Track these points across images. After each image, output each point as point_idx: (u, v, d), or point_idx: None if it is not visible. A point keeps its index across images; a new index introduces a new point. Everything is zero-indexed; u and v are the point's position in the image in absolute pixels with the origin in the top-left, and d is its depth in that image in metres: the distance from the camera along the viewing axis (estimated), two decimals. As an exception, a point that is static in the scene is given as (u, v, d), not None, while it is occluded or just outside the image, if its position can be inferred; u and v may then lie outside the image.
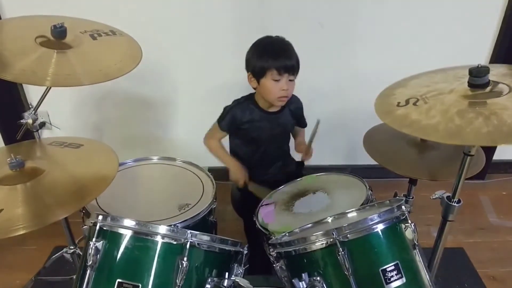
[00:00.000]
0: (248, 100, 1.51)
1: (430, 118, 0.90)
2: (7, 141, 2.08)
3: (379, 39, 1.96)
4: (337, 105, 2.07)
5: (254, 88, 1.50)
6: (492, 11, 1.93)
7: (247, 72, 1.47)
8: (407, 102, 0.97)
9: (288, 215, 1.32)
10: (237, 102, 1.53)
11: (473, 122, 0.85)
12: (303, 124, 1.65)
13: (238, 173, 1.50)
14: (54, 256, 1.60)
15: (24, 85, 2.05)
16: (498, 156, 2.21)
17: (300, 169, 1.60)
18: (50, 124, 1.97)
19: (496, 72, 1.01)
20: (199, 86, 2.08)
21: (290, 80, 1.41)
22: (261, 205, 1.39)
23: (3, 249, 1.86)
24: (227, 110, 1.51)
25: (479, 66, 0.95)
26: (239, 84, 2.03)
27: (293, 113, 1.58)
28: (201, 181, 1.41)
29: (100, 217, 0.91)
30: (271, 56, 1.39)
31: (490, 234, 1.99)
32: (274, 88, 1.40)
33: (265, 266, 1.32)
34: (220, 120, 1.51)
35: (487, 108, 0.89)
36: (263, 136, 1.51)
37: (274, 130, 1.53)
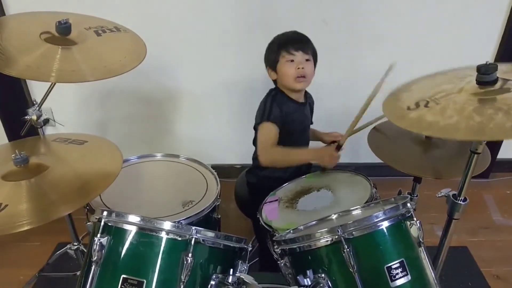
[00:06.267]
0: (279, 93, 1.45)
1: (447, 118, 0.88)
2: (10, 138, 2.08)
3: (383, 36, 1.95)
4: (341, 102, 2.06)
5: (275, 81, 1.48)
6: (498, 9, 1.92)
7: (266, 69, 1.47)
8: (417, 105, 0.96)
9: (292, 213, 1.32)
10: (272, 95, 1.43)
11: (494, 118, 0.84)
12: (311, 121, 1.66)
13: (327, 158, 1.40)
14: (57, 253, 1.60)
15: (27, 82, 2.05)
16: (502, 155, 2.20)
17: (308, 167, 1.59)
18: (54, 120, 1.98)
19: (505, 69, 1.00)
20: (203, 83, 2.08)
21: (306, 60, 1.40)
22: (265, 202, 1.39)
23: (6, 245, 1.87)
24: (269, 104, 1.40)
25: (487, 63, 0.94)
26: (243, 81, 2.05)
27: (310, 108, 1.58)
28: (205, 178, 1.41)
29: (105, 213, 0.91)
30: (281, 41, 1.40)
31: (494, 233, 1.99)
32: (290, 70, 1.38)
33: (274, 264, 1.32)
34: (268, 116, 1.37)
35: (498, 104, 0.88)
36: (296, 128, 1.47)
37: (304, 122, 1.51)
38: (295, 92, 1.46)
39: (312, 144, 1.62)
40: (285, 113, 1.41)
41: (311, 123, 1.65)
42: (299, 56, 1.38)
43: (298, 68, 1.38)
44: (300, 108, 1.48)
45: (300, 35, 1.43)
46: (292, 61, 1.38)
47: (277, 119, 1.37)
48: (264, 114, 1.39)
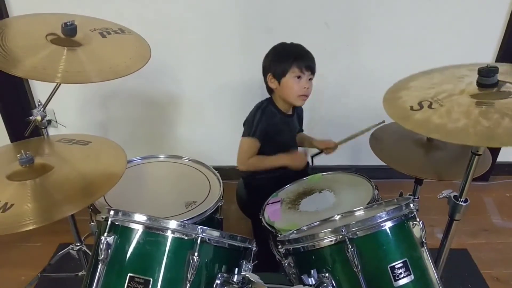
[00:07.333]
0: (270, 104, 1.51)
1: (454, 121, 0.89)
2: (13, 138, 2.08)
3: (384, 38, 1.97)
4: (343, 105, 2.08)
5: (272, 91, 1.50)
6: (499, 9, 1.93)
7: (266, 74, 1.48)
8: (420, 105, 0.96)
9: (295, 214, 1.33)
10: (262, 109, 1.49)
11: (500, 123, 0.85)
12: (301, 129, 1.70)
13: (298, 161, 1.48)
14: (60, 253, 1.60)
15: (31, 83, 2.05)
16: (502, 158, 2.21)
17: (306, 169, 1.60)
18: (56, 122, 1.98)
19: (503, 70, 1.02)
20: (205, 85, 2.09)
21: (309, 79, 1.44)
22: (267, 204, 1.40)
23: (8, 246, 1.87)
24: (257, 119, 1.47)
25: (488, 66, 0.95)
26: (244, 83, 2.06)
27: (298, 117, 1.60)
28: (208, 179, 1.42)
29: (112, 212, 0.91)
30: (293, 55, 1.42)
31: (494, 235, 2.00)
32: (296, 86, 1.43)
33: (271, 264, 1.33)
34: (253, 132, 1.46)
35: (502, 109, 0.89)
36: (284, 138, 1.53)
37: (291, 133, 1.56)
38: (290, 105, 1.51)
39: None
40: (273, 126, 1.48)
41: (301, 130, 1.68)
42: (307, 75, 1.43)
43: (304, 88, 1.43)
44: (287, 120, 1.53)
45: (308, 51, 1.46)
46: (299, 77, 1.42)
47: (262, 134, 1.45)
48: (251, 128, 1.46)
